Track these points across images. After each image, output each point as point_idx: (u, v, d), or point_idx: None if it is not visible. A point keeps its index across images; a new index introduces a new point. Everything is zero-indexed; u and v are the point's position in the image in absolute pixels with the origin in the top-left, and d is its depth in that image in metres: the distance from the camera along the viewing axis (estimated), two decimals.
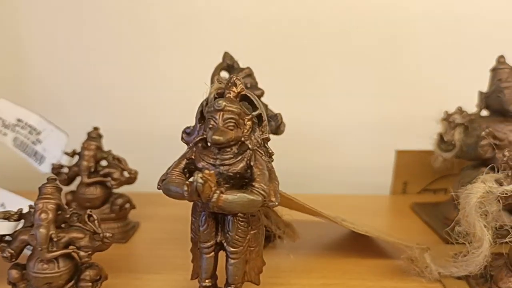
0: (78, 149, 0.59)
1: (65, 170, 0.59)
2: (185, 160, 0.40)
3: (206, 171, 0.37)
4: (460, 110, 0.61)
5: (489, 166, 0.46)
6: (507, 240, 0.42)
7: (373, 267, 0.51)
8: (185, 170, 0.40)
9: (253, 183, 0.38)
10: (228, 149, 0.39)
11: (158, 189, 0.40)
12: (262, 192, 0.37)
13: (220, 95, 0.41)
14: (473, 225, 0.43)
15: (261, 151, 0.40)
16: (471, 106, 0.61)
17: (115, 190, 0.59)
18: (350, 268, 0.51)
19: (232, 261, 0.41)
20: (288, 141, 0.78)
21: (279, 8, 0.79)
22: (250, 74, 0.55)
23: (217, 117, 0.38)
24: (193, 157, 0.40)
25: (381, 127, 0.81)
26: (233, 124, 0.38)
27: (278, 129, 0.55)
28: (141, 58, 0.81)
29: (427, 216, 0.65)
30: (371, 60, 0.80)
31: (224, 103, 0.39)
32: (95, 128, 0.59)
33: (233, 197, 0.37)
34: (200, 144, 0.40)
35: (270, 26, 0.80)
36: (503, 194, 0.42)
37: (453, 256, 0.48)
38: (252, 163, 0.38)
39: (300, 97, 0.81)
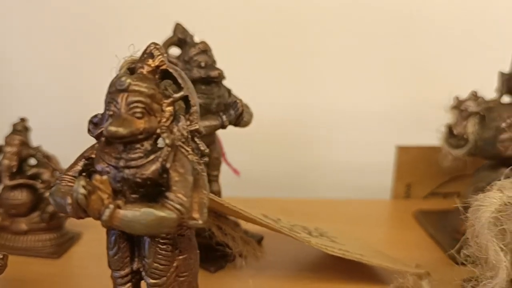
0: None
1: None
2: (83, 160, 0.30)
3: (97, 177, 0.26)
4: (474, 96, 0.51)
5: (511, 167, 0.38)
6: None
7: None
8: (83, 173, 0.30)
9: (167, 193, 0.27)
10: (138, 146, 0.28)
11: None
12: (178, 207, 0.26)
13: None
14: (485, 248, 0.33)
15: (187, 148, 0.29)
16: (489, 90, 0.52)
17: (47, 194, 0.49)
18: None
19: None
20: (271, 137, 0.70)
21: None
22: (205, 51, 0.45)
23: (119, 100, 0.28)
24: (93, 155, 0.29)
25: (380, 118, 0.71)
26: (142, 110, 0.28)
27: (239, 120, 0.44)
28: (86, 39, 0.70)
29: (433, 228, 0.54)
30: (368, 40, 0.70)
31: (128, 81, 0.28)
32: (22, 120, 0.49)
33: (134, 213, 0.26)
34: (103, 139, 0.29)
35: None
36: None
37: (461, 284, 0.38)
38: (168, 165, 0.27)
39: (286, 84, 0.70)
